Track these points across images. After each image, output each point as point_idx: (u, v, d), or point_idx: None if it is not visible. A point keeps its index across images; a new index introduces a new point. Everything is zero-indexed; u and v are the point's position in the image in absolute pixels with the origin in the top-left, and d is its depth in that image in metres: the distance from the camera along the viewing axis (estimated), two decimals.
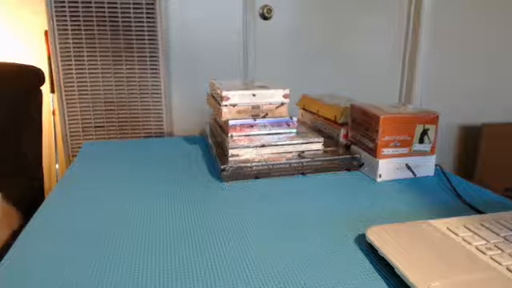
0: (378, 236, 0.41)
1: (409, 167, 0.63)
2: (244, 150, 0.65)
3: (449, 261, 0.37)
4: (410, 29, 1.82)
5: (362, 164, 0.66)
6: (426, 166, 0.64)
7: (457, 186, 0.60)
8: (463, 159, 2.03)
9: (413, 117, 0.61)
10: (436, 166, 0.65)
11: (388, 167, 0.62)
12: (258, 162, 0.62)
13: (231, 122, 0.65)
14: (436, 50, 1.84)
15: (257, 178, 0.63)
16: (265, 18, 1.64)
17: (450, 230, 0.43)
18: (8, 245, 0.84)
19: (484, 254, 0.38)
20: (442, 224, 0.44)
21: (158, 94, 1.53)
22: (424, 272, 0.35)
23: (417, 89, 1.85)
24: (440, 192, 0.58)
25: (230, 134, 0.65)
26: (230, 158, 0.64)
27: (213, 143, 0.72)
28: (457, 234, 0.42)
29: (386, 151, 0.61)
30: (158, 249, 0.42)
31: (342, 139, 0.73)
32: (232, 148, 0.64)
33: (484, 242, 0.40)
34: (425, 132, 0.61)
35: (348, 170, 0.66)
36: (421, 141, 0.62)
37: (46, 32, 1.47)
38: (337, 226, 0.47)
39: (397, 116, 0.60)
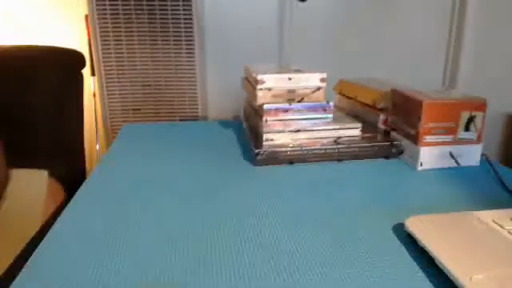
0: (418, 226, 0.40)
1: (452, 156, 0.60)
2: (279, 135, 0.64)
3: (493, 254, 0.35)
4: (455, 8, 1.72)
5: (402, 151, 0.63)
6: (471, 155, 0.61)
7: (503, 176, 0.57)
8: (510, 149, 1.92)
9: (458, 103, 0.58)
10: (482, 155, 0.62)
11: (430, 155, 0.59)
12: (293, 147, 0.62)
13: (266, 107, 0.64)
14: (483, 31, 1.73)
15: (291, 163, 0.62)
16: None
17: (495, 222, 0.41)
18: (54, 218, 0.90)
19: None
20: (486, 216, 0.42)
21: (193, 77, 1.54)
22: (466, 264, 0.33)
23: (462, 73, 1.76)
24: (485, 182, 0.55)
25: (264, 119, 0.65)
26: (265, 143, 0.63)
27: (247, 127, 0.72)
28: (502, 227, 0.40)
29: (428, 138, 0.58)
30: (189, 230, 0.42)
31: (381, 125, 0.71)
32: (267, 132, 0.63)
33: None
34: (471, 119, 0.58)
35: (386, 157, 0.64)
36: (466, 128, 0.59)
37: (86, 16, 1.51)
38: (374, 215, 0.46)
39: (441, 101, 0.58)
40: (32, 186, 0.94)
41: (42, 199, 0.92)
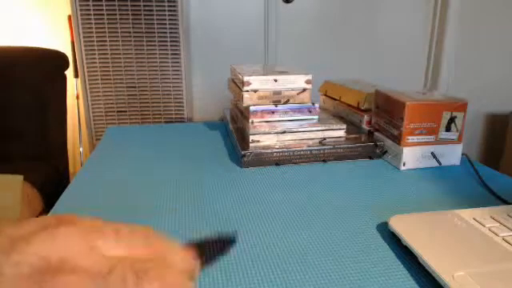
0: (402, 225, 0.41)
1: (434, 155, 0.61)
2: (265, 136, 0.64)
3: (474, 251, 0.36)
4: (437, 12, 1.75)
5: (386, 152, 0.65)
6: (452, 155, 0.62)
7: (483, 175, 0.59)
8: (490, 148, 1.98)
9: (440, 104, 0.59)
10: (462, 154, 0.63)
11: (413, 155, 0.60)
12: (279, 148, 0.62)
13: (252, 108, 0.65)
14: (464, 34, 1.78)
15: (277, 164, 0.62)
16: (287, 1, 1.61)
17: (476, 220, 0.42)
18: None
19: (511, 244, 0.37)
20: (468, 214, 0.43)
21: (178, 78, 1.54)
22: (448, 262, 0.34)
23: (443, 74, 1.80)
24: (466, 181, 0.57)
25: (250, 120, 0.65)
26: (251, 144, 0.64)
27: (233, 129, 0.72)
28: (483, 225, 0.41)
29: (411, 139, 0.59)
30: (176, 232, 0.42)
31: (365, 126, 0.72)
32: (253, 134, 0.64)
33: (511, 232, 0.39)
34: (452, 120, 0.59)
35: (370, 157, 0.65)
36: (448, 129, 0.60)
37: (69, 17, 1.49)
38: (359, 214, 0.47)
39: (423, 103, 0.59)
40: (5, 192, 0.90)
41: (16, 207, 0.88)
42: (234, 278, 0.35)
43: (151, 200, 0.50)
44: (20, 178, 0.91)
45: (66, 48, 1.54)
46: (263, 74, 0.66)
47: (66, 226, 0.18)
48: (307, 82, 0.67)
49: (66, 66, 1.38)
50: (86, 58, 1.46)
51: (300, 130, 0.65)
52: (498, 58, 1.85)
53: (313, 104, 0.67)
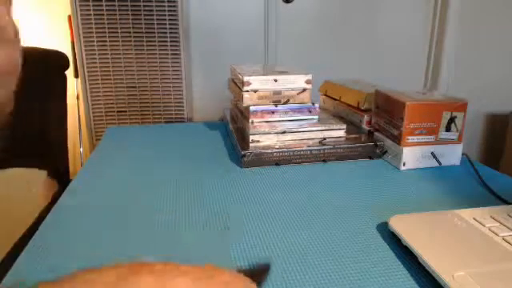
0: (402, 225, 0.41)
1: (434, 155, 0.61)
2: (265, 136, 0.64)
3: (474, 251, 0.36)
4: (437, 12, 1.75)
5: (385, 152, 0.65)
6: (452, 155, 0.62)
7: (483, 175, 0.59)
8: (490, 148, 1.97)
9: (440, 104, 0.59)
10: (463, 154, 0.63)
11: (413, 155, 0.60)
12: (279, 148, 0.62)
13: (252, 108, 0.65)
14: (464, 34, 1.77)
15: (277, 164, 0.62)
16: (287, 1, 1.61)
17: (476, 220, 0.42)
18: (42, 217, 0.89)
19: (511, 244, 0.37)
20: (468, 214, 0.43)
21: (178, 78, 1.54)
22: (448, 262, 0.34)
23: (443, 74, 1.80)
24: (466, 181, 0.57)
25: (250, 120, 0.65)
26: (251, 144, 0.63)
27: (233, 129, 0.72)
28: (483, 225, 0.41)
29: (410, 139, 0.59)
30: (176, 232, 0.42)
31: (365, 126, 0.72)
32: (253, 134, 0.64)
33: (511, 232, 0.39)
34: (452, 120, 0.59)
35: (370, 157, 0.65)
36: (448, 129, 0.60)
37: (69, 17, 1.48)
38: (359, 214, 0.47)
39: (423, 103, 0.59)
40: (27, 185, 0.92)
41: (36, 201, 0.90)
42: None
43: (151, 200, 0.50)
44: (43, 173, 0.93)
45: (66, 48, 1.54)
46: (263, 74, 0.66)
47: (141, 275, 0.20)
48: (307, 82, 0.67)
49: (66, 66, 1.37)
50: (86, 58, 1.46)
51: (300, 130, 0.65)
52: (498, 58, 1.85)
53: (313, 104, 0.67)
